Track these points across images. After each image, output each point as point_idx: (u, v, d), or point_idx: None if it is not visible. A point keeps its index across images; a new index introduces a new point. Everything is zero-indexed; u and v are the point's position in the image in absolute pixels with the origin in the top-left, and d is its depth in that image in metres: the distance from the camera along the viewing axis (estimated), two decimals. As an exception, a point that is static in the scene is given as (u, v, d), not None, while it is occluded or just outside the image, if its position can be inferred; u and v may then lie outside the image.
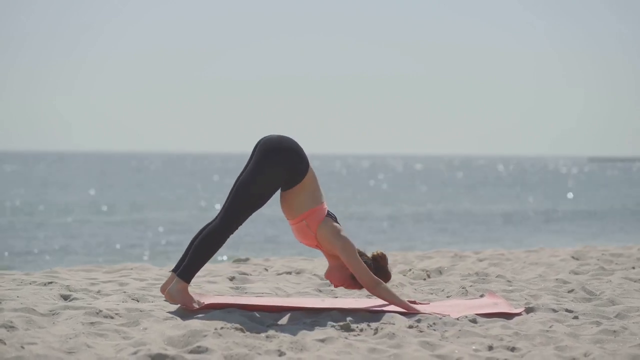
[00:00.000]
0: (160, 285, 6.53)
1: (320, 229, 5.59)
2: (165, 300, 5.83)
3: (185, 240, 19.37)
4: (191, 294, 5.64)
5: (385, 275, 5.75)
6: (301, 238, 5.69)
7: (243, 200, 5.49)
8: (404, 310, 5.63)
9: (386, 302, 5.94)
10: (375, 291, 5.63)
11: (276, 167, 5.51)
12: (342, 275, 5.72)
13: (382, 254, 5.77)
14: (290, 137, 5.66)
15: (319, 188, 5.66)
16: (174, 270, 5.64)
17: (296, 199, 5.58)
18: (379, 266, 5.75)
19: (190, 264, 5.51)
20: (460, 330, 5.11)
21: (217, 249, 5.50)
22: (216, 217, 5.59)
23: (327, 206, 5.68)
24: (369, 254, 5.76)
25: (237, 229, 5.53)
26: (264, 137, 5.64)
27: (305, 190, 5.58)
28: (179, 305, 5.62)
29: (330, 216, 5.66)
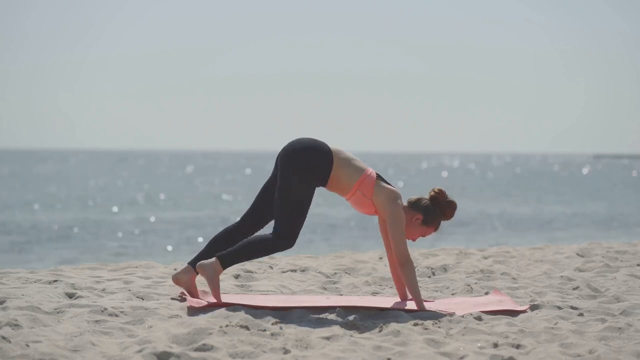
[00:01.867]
0: (164, 284, 6.53)
1: (375, 195, 5.66)
2: (172, 299, 5.84)
3: (190, 239, 19.40)
4: (198, 289, 5.80)
5: (450, 205, 5.77)
6: (360, 208, 5.76)
7: (290, 215, 5.60)
8: (406, 305, 5.63)
9: (389, 299, 5.95)
10: (404, 268, 5.63)
11: (303, 174, 5.60)
12: (411, 228, 5.78)
13: (439, 189, 5.80)
14: (304, 137, 5.73)
15: (355, 158, 5.74)
16: (191, 263, 5.82)
17: (341, 179, 5.67)
18: (439, 203, 5.78)
19: (234, 255, 5.63)
20: (465, 328, 5.11)
21: (263, 256, 5.69)
22: (243, 218, 5.78)
23: (371, 169, 5.75)
24: (427, 196, 5.82)
25: (294, 241, 5.65)
26: (282, 149, 5.72)
27: (343, 168, 5.66)
28: (185, 303, 5.64)
29: (381, 179, 5.72)
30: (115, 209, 27.66)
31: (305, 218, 5.66)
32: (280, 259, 8.68)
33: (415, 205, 5.78)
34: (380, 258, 8.75)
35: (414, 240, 5.82)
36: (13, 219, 23.35)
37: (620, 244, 10.53)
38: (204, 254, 5.84)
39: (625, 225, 24.06)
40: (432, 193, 5.79)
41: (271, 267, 7.82)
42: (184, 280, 5.81)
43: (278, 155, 5.75)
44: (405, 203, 5.81)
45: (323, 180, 5.64)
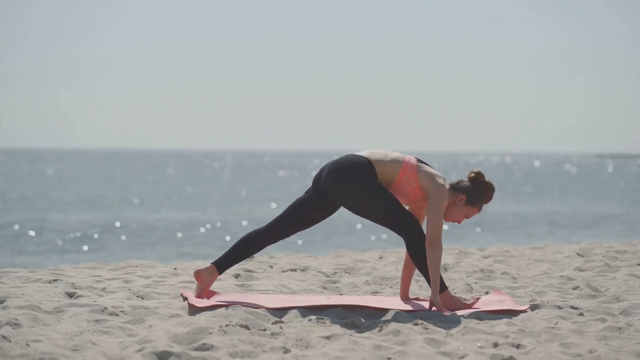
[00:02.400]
0: (165, 283, 6.54)
1: (420, 177, 5.74)
2: (171, 298, 5.84)
3: (191, 238, 19.40)
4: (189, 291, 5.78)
5: (490, 186, 5.86)
6: (406, 196, 5.81)
7: (390, 214, 5.74)
8: (407, 305, 5.64)
9: (390, 299, 5.95)
10: (433, 248, 5.67)
11: (360, 188, 5.69)
12: (455, 209, 5.85)
13: (477, 171, 5.87)
14: (333, 161, 5.86)
15: (389, 152, 5.83)
16: (215, 263, 5.89)
17: (386, 174, 5.76)
18: (480, 183, 5.85)
19: (425, 269, 5.75)
20: (465, 327, 5.11)
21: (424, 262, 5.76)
22: (271, 226, 5.87)
23: (409, 155, 5.87)
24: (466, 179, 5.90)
25: (413, 219, 5.77)
26: (324, 180, 5.79)
27: (383, 165, 5.76)
28: (185, 302, 5.65)
29: (422, 162, 5.84)
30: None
31: (395, 201, 5.73)
32: (280, 258, 8.68)
33: (457, 186, 5.87)
34: (380, 257, 8.75)
35: (459, 222, 5.90)
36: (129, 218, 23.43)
37: (620, 243, 10.54)
38: (230, 256, 5.88)
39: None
40: (472, 174, 5.88)
41: (271, 267, 7.82)
42: (204, 278, 5.85)
43: (318, 181, 5.84)
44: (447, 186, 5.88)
45: (374, 179, 5.74)
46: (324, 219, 5.93)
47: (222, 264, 5.88)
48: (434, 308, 5.66)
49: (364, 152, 5.83)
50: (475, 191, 5.84)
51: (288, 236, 5.95)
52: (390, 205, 5.74)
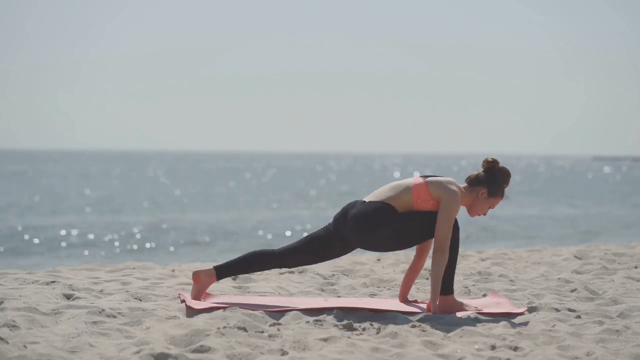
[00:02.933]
0: (162, 285, 6.54)
1: (432, 190, 5.74)
2: (169, 300, 5.84)
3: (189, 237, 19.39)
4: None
5: (506, 172, 5.86)
6: (431, 210, 5.77)
7: (419, 233, 5.77)
8: (404, 307, 5.64)
9: (387, 301, 5.95)
10: (440, 253, 5.67)
11: (386, 230, 5.71)
12: (479, 204, 5.86)
13: (491, 158, 5.88)
14: (349, 206, 5.85)
15: (394, 184, 5.83)
16: (216, 267, 5.87)
17: (403, 206, 5.75)
18: (496, 170, 5.85)
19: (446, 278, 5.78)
20: (463, 330, 5.11)
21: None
22: (282, 252, 5.82)
23: (413, 177, 5.92)
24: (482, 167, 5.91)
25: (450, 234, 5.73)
26: (348, 226, 5.78)
27: (397, 198, 5.75)
28: (183, 304, 5.65)
29: (429, 176, 5.88)
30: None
31: (421, 224, 5.73)
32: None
33: (475, 181, 5.87)
34: (378, 260, 8.75)
35: (485, 214, 5.90)
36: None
37: (617, 246, 10.54)
38: (233, 265, 5.87)
39: None
40: (486, 164, 5.88)
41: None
42: (202, 280, 5.85)
43: (340, 224, 5.81)
44: (464, 184, 5.89)
45: (398, 217, 5.75)
46: (335, 258, 5.94)
47: (222, 271, 5.87)
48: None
49: (372, 197, 5.81)
50: (494, 182, 5.85)
51: (293, 267, 5.92)
52: (420, 231, 5.75)
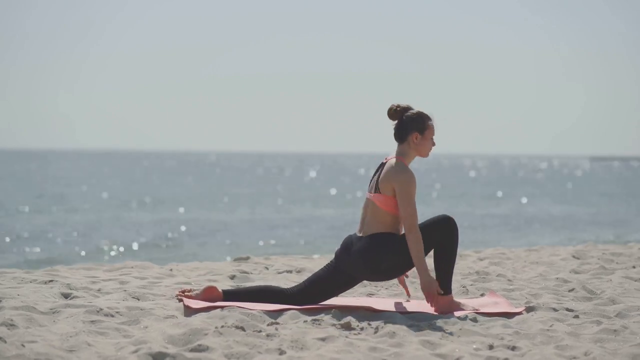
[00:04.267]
0: (160, 284, 6.54)
1: (383, 187, 5.68)
2: (167, 299, 5.84)
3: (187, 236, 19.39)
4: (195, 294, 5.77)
5: (414, 110, 5.80)
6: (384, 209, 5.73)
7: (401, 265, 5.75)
8: (402, 306, 5.64)
9: (385, 300, 5.96)
10: (410, 234, 5.62)
11: (395, 258, 5.69)
12: (421, 147, 5.82)
13: (395, 106, 5.80)
14: (348, 243, 5.81)
15: (365, 211, 5.77)
16: (224, 291, 5.83)
17: (388, 222, 5.72)
18: (409, 114, 5.78)
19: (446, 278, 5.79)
20: (460, 329, 5.11)
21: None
22: (293, 292, 5.80)
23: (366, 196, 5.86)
24: None
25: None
26: (349, 264, 5.76)
27: (380, 218, 5.71)
28: (181, 303, 5.65)
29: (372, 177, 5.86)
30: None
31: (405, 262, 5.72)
32: (276, 259, 8.68)
33: (400, 135, 5.78)
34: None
35: (427, 155, 5.86)
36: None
37: (615, 245, 10.55)
38: (241, 293, 5.81)
39: None
40: (392, 111, 5.79)
41: (267, 268, 7.83)
42: (208, 297, 5.75)
43: (342, 260, 5.77)
44: (397, 151, 5.80)
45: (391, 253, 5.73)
46: (343, 292, 5.92)
47: (230, 295, 5.79)
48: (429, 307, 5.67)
49: (363, 229, 5.76)
50: (414, 121, 5.76)
51: (300, 305, 5.79)
52: (427, 244, 5.73)
